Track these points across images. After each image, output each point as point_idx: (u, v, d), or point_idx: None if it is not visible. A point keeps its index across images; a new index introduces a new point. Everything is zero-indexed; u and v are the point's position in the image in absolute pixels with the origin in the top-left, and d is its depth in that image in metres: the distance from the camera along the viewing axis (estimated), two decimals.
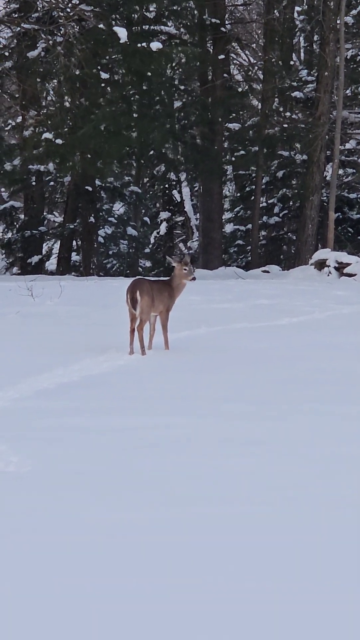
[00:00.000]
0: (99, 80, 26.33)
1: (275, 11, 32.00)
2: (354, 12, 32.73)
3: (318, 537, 4.62)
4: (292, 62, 33.72)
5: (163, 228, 39.14)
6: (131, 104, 27.89)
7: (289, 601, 3.90)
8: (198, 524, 4.76)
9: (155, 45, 25.90)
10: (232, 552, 4.40)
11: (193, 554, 4.36)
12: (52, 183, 31.74)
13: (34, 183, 30.18)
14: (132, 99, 28.22)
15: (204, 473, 5.66)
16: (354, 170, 35.17)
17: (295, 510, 4.99)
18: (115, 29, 25.38)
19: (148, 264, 37.53)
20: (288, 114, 31.99)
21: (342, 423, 7.11)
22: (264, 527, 4.73)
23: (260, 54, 35.39)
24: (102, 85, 26.67)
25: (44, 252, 32.76)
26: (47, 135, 26.06)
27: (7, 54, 28.76)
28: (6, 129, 31.61)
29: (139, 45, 25.83)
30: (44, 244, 33.07)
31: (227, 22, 31.88)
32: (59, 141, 25.75)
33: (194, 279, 10.69)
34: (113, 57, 27.16)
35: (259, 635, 3.61)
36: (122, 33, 25.19)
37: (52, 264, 34.49)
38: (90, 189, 29.63)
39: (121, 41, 25.18)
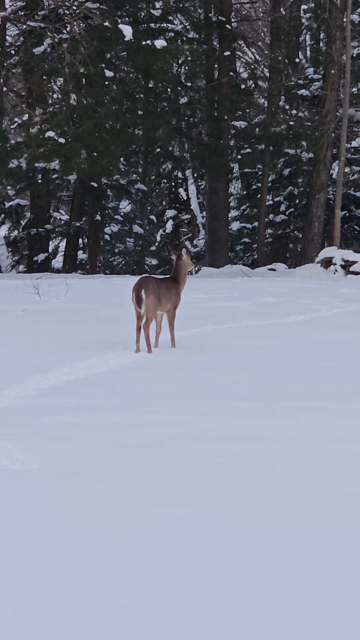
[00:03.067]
0: (104, 78, 26.32)
1: (282, 9, 31.95)
2: None
3: (324, 536, 4.61)
4: (298, 60, 33.64)
5: (169, 226, 39.11)
6: (136, 102, 27.85)
7: (292, 600, 3.89)
8: (204, 521, 4.75)
9: (160, 43, 25.87)
10: (236, 551, 4.39)
11: (196, 552, 4.35)
12: (58, 181, 31.71)
13: (40, 181, 30.16)
14: (137, 96, 28.18)
15: (210, 471, 5.65)
16: None
17: (302, 508, 4.98)
18: (121, 26, 25.37)
19: (154, 261, 37.50)
20: (294, 111, 31.90)
21: (350, 421, 7.10)
22: (270, 524, 4.72)
23: (266, 51, 35.34)
24: (107, 83, 26.65)
25: (50, 250, 32.75)
26: (51, 133, 26.04)
27: (13, 51, 28.75)
28: (12, 127, 31.61)
29: (143, 43, 25.78)
30: (50, 242, 33.04)
31: (233, 20, 31.83)
32: (62, 140, 25.73)
33: (198, 269, 10.92)
34: (118, 54, 27.13)
35: (259, 635, 3.60)
36: (127, 31, 25.17)
37: (58, 262, 34.47)
38: (96, 185, 29.62)
39: (126, 39, 25.16)
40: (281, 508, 4.97)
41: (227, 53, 30.52)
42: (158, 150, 32.40)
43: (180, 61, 30.34)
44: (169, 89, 29.21)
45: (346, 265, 24.97)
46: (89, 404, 7.64)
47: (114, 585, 3.98)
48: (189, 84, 31.06)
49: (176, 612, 3.74)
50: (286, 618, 3.71)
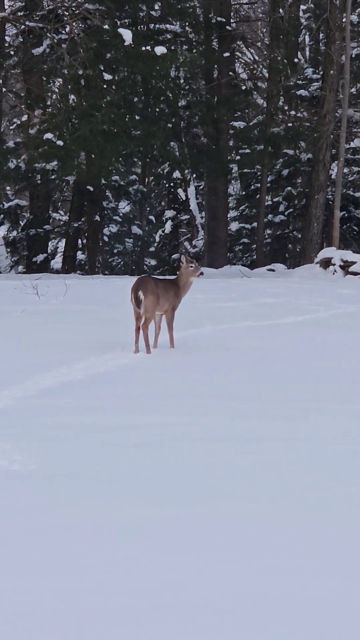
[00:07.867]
0: (103, 80, 26.27)
1: (281, 9, 31.95)
2: (359, 10, 32.68)
3: (324, 536, 4.60)
4: (297, 61, 33.65)
5: (168, 227, 39.09)
6: (134, 106, 27.79)
7: (292, 600, 3.88)
8: (204, 521, 4.74)
9: (160, 50, 25.76)
10: (236, 551, 4.38)
11: (197, 552, 4.35)
12: (57, 181, 31.72)
13: (39, 181, 30.15)
14: (134, 99, 28.12)
15: (210, 471, 5.64)
16: (359, 169, 35.14)
17: (302, 508, 4.97)
18: (120, 30, 25.25)
19: (153, 262, 37.50)
20: (293, 112, 31.92)
21: (350, 422, 7.10)
22: (270, 524, 4.71)
23: (265, 52, 35.34)
24: (105, 86, 26.61)
25: (49, 250, 32.73)
26: (49, 135, 26.02)
27: (12, 52, 28.73)
28: (11, 127, 31.58)
29: (143, 48, 25.69)
30: (49, 243, 33.03)
31: (232, 21, 31.82)
32: (60, 142, 25.70)
33: (201, 274, 10.80)
34: (117, 58, 27.07)
35: (259, 635, 3.59)
36: (127, 35, 25.08)
37: (57, 262, 34.46)
38: (92, 189, 29.60)
39: (125, 43, 25.07)
40: (281, 508, 4.97)
41: (226, 54, 30.52)
42: (156, 152, 32.39)
43: (179, 63, 30.31)
44: (168, 92, 29.18)
45: (345, 266, 24.97)
46: (88, 404, 7.64)
47: (114, 585, 3.98)
48: (190, 83, 30.99)
49: (176, 612, 3.73)
50: (286, 618, 3.71)
